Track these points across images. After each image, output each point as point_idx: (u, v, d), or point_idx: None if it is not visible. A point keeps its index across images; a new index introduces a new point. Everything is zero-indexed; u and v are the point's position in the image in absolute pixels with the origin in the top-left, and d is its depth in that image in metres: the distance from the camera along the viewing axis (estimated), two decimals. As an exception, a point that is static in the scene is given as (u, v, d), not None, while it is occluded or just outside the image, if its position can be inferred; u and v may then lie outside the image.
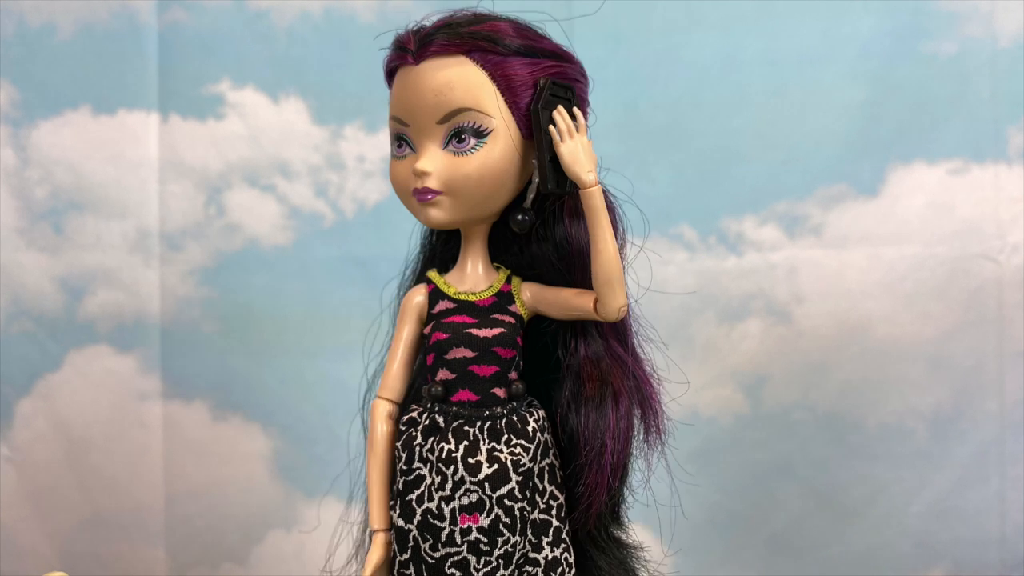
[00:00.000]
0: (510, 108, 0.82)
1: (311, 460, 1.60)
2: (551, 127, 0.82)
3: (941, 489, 1.53)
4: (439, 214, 0.84)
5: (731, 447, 1.55)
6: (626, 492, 0.94)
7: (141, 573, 1.62)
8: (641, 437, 0.89)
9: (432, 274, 0.90)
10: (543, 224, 0.89)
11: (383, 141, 1.59)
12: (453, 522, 0.82)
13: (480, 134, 0.81)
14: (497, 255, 0.91)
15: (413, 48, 0.82)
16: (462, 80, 0.81)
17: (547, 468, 0.86)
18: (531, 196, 0.86)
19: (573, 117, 0.83)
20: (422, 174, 0.82)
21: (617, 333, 0.89)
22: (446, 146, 0.82)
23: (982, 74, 1.49)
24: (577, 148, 0.81)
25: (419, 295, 0.89)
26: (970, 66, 1.49)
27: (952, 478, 1.53)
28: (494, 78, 0.81)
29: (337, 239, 1.58)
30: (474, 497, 0.82)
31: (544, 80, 0.82)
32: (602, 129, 1.54)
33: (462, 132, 0.81)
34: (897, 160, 1.51)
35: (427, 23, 0.83)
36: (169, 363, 1.61)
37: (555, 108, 0.83)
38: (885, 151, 1.51)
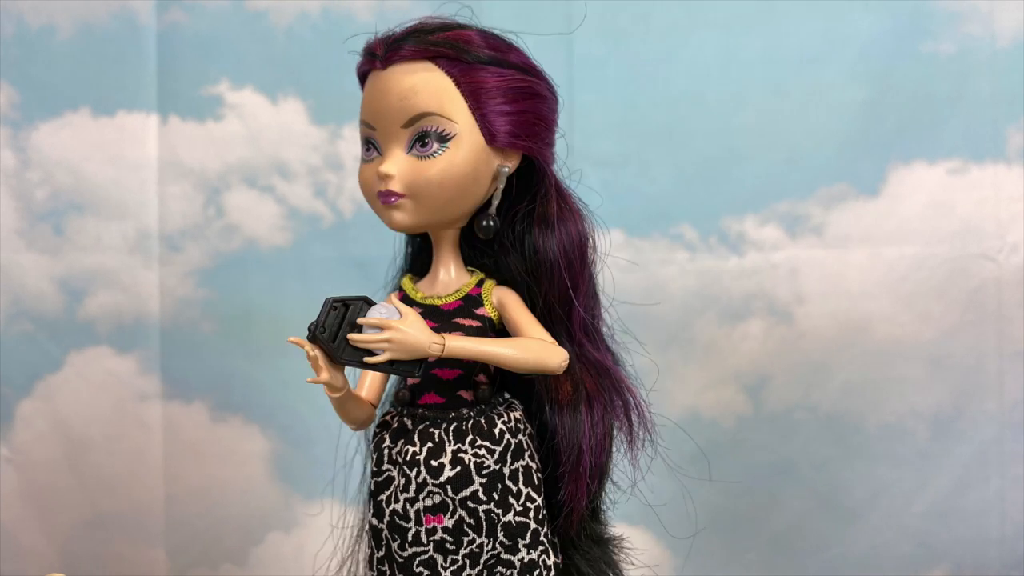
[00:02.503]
0: (474, 115, 0.83)
1: (310, 461, 1.60)
2: (367, 358, 0.79)
3: (941, 489, 1.53)
4: (402, 217, 0.85)
5: (733, 448, 1.55)
6: (606, 492, 0.94)
7: (141, 573, 1.62)
8: (625, 440, 0.90)
9: (405, 281, 0.92)
10: (513, 233, 0.90)
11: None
12: (418, 523, 0.84)
13: (443, 139, 0.82)
14: (472, 260, 0.92)
15: (381, 54, 0.83)
16: (426, 85, 0.82)
17: (522, 470, 0.86)
18: (495, 202, 0.87)
19: (353, 318, 0.80)
20: (385, 177, 0.83)
21: (589, 336, 0.90)
22: (410, 150, 0.83)
23: (982, 74, 1.49)
24: (401, 342, 0.79)
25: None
26: (970, 66, 1.49)
27: (952, 478, 1.53)
28: (459, 85, 0.82)
29: (336, 240, 1.58)
30: (437, 499, 0.84)
31: (317, 325, 0.80)
32: (603, 128, 1.55)
33: (425, 136, 0.82)
34: (897, 160, 1.51)
35: (398, 29, 0.84)
36: (168, 364, 1.61)
37: (343, 331, 0.80)
38: (885, 151, 1.51)
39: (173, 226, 1.60)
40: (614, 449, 0.90)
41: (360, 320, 0.80)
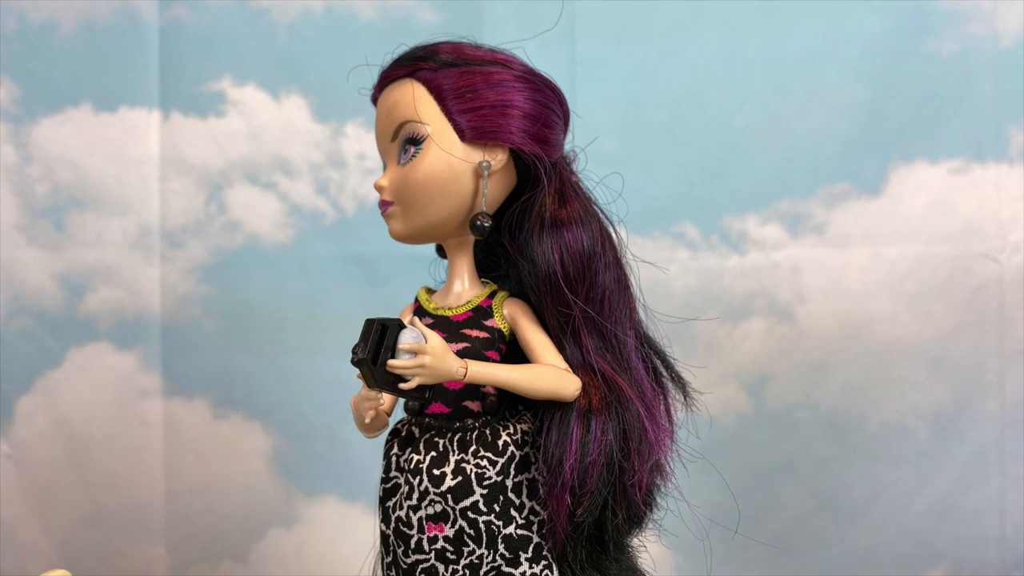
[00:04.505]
0: (446, 115, 0.85)
1: (311, 458, 1.60)
2: (400, 385, 0.80)
3: (942, 488, 1.53)
4: (395, 224, 0.88)
5: (733, 446, 1.55)
6: (618, 521, 0.87)
7: (141, 570, 1.62)
8: (635, 466, 0.85)
9: (420, 292, 0.93)
10: (524, 242, 0.88)
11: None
12: (421, 530, 0.85)
13: (416, 141, 0.85)
14: (491, 274, 0.94)
15: (377, 82, 0.89)
16: (404, 96, 0.86)
17: (526, 483, 0.87)
18: (483, 200, 0.86)
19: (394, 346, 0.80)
20: (379, 188, 0.87)
21: (606, 347, 0.87)
22: (399, 161, 0.87)
23: (984, 73, 1.49)
24: (433, 367, 0.79)
25: (405, 316, 0.90)
26: (972, 65, 1.49)
27: (953, 477, 1.53)
28: (430, 89, 0.85)
29: (338, 237, 1.58)
30: (438, 508, 0.85)
31: (365, 351, 0.78)
32: (605, 127, 1.55)
33: (406, 143, 0.86)
34: (899, 159, 1.51)
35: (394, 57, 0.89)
36: (169, 360, 1.61)
37: (382, 356, 0.79)
38: (887, 150, 1.51)
39: (174, 222, 1.60)
40: (604, 477, 0.83)
41: (400, 346, 0.79)
